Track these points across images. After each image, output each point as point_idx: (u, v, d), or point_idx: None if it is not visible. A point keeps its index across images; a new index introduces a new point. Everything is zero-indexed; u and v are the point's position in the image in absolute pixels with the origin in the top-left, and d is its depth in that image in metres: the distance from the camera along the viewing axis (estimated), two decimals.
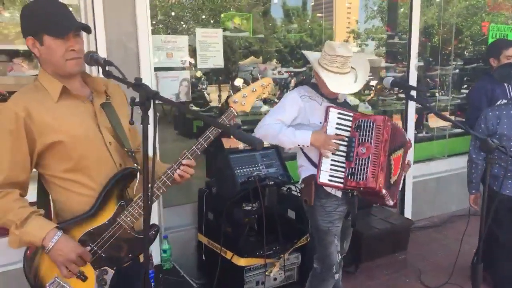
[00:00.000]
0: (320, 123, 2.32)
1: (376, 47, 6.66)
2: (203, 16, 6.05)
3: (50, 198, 1.69)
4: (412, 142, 4.25)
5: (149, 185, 1.46)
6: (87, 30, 1.62)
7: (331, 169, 2.28)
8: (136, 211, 1.63)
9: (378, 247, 3.76)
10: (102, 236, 1.61)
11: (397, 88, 4.77)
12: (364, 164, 2.22)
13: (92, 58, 1.56)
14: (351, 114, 2.32)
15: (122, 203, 1.64)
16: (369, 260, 3.71)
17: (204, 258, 3.27)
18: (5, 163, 1.53)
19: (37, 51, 1.58)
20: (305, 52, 2.54)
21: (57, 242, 1.51)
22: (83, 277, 1.59)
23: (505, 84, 3.25)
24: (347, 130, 2.30)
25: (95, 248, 1.61)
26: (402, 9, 5.36)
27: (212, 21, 5.95)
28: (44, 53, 1.57)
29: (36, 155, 1.57)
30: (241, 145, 4.19)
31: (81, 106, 1.64)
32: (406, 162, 2.47)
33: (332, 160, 2.28)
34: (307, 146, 2.31)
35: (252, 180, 2.90)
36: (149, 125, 1.31)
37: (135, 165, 1.69)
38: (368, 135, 2.24)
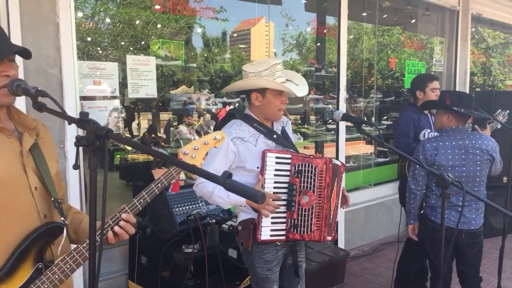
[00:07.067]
0: (258, 167, 2.11)
1: None
2: (122, 43, 5.80)
3: None
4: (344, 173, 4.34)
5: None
6: (26, 54, 1.35)
7: (272, 223, 2.08)
8: (56, 277, 1.33)
9: (316, 281, 3.68)
10: None
11: (331, 120, 4.90)
12: (308, 215, 2.06)
13: (18, 87, 1.28)
14: (289, 157, 2.12)
15: (40, 266, 1.34)
16: None
17: None
18: None
19: None
20: (226, 89, 2.37)
21: None
22: None
23: (428, 114, 3.45)
24: (286, 175, 2.11)
25: None
26: (325, 43, 5.58)
27: (131, 48, 5.72)
28: None
29: None
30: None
31: (5, 142, 1.35)
32: (343, 194, 2.33)
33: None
34: (244, 206, 2.13)
35: (192, 218, 2.68)
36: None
37: (62, 219, 1.40)
38: (310, 182, 2.06)
